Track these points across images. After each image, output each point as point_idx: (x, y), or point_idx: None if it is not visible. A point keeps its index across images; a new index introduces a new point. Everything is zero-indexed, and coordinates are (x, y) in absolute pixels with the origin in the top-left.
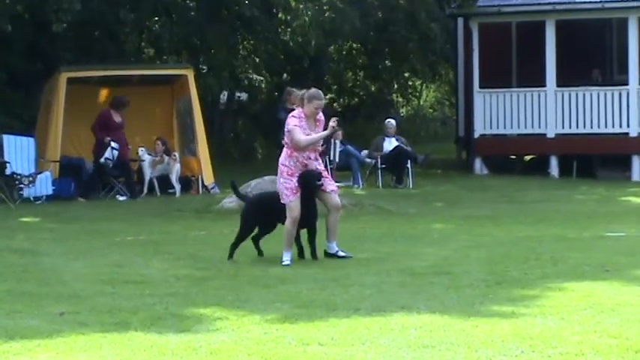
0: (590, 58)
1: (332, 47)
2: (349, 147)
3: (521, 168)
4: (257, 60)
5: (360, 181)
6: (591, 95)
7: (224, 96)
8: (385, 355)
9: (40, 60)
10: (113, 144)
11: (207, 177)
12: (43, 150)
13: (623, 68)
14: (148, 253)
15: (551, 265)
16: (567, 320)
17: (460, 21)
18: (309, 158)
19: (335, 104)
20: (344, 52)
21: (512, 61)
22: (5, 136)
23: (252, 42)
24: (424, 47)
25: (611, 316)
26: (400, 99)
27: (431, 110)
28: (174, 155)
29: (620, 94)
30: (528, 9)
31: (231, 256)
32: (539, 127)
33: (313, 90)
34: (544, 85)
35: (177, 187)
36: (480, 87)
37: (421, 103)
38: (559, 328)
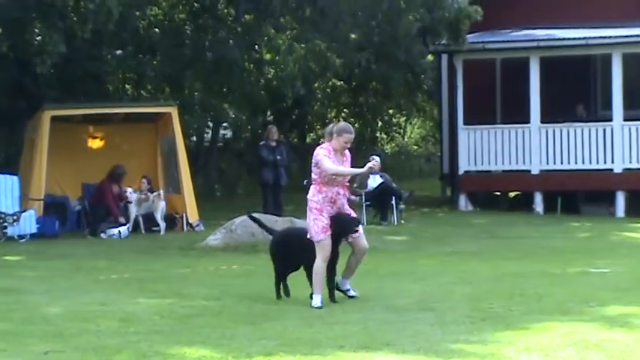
0: (574, 94)
1: (315, 85)
2: None
3: (507, 204)
4: (239, 99)
5: None
6: (575, 131)
7: (208, 134)
8: None
9: (23, 98)
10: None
11: (192, 214)
12: (27, 188)
13: (607, 104)
14: (132, 290)
15: (535, 301)
16: (552, 357)
17: (444, 57)
18: (338, 194)
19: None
20: (328, 90)
21: (497, 97)
22: None
23: (234, 82)
24: (409, 84)
25: (596, 353)
26: (385, 135)
27: (415, 147)
28: (159, 193)
29: (604, 130)
30: (512, 45)
31: (278, 294)
32: (524, 163)
33: (343, 123)
34: (528, 122)
35: (162, 224)
36: (464, 123)
37: (405, 139)
38: None
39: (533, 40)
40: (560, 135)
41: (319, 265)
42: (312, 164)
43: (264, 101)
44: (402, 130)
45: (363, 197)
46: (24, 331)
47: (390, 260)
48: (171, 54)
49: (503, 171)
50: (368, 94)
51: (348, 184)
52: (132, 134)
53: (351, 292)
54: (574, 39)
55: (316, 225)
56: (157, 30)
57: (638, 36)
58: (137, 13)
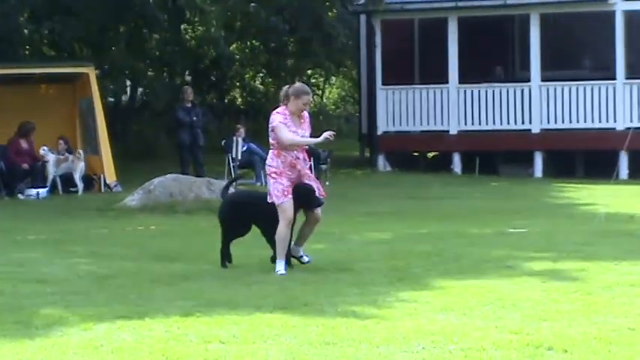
0: (492, 54)
1: (234, 46)
2: (252, 145)
3: (425, 165)
4: (158, 60)
5: (263, 178)
6: (494, 92)
7: (126, 95)
8: (287, 353)
9: None
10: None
11: (110, 175)
12: None
13: (526, 65)
14: (49, 251)
15: (453, 261)
16: (469, 316)
17: (363, 18)
18: (298, 158)
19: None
20: (247, 51)
21: (415, 58)
22: None
23: (154, 42)
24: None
25: (513, 312)
26: None
27: (334, 107)
28: (79, 153)
29: (522, 91)
30: (431, 6)
31: (224, 261)
32: (442, 124)
33: (298, 84)
34: (446, 82)
35: (80, 185)
36: (383, 84)
37: (324, 100)
38: (461, 324)
39: (452, 1)
40: (478, 96)
41: (282, 230)
42: (269, 130)
43: (182, 62)
44: (320, 91)
45: None
46: None
47: None
48: (89, 15)
49: (422, 131)
50: (287, 55)
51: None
52: (49, 96)
53: (305, 259)
54: (493, 0)
55: (276, 189)
56: None
57: None
58: None
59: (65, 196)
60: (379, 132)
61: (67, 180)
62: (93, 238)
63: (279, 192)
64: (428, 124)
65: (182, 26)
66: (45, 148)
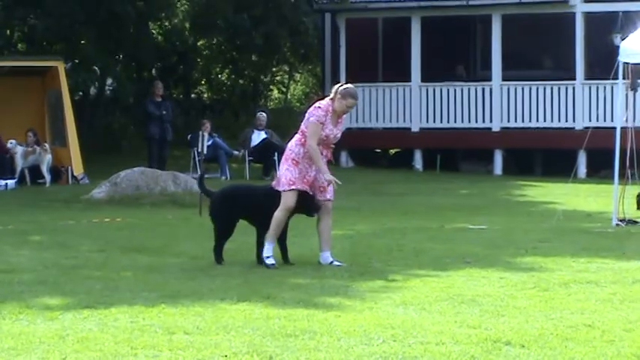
0: (454, 54)
1: (201, 42)
2: (217, 139)
3: (387, 161)
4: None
5: (228, 172)
6: (455, 91)
7: (95, 88)
8: (249, 344)
9: None
10: None
11: (77, 168)
12: None
13: (487, 64)
14: (16, 242)
15: (413, 256)
16: (428, 310)
17: (328, 16)
18: (320, 154)
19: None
20: (214, 47)
21: (379, 56)
22: None
23: (124, 38)
24: (294, 42)
25: (471, 307)
26: (268, 93)
27: (298, 104)
28: (45, 146)
29: (483, 90)
30: (394, 5)
31: (218, 261)
32: (404, 121)
33: (351, 87)
34: (409, 81)
35: (48, 177)
36: (347, 81)
37: (288, 96)
38: (420, 318)
39: (415, 0)
40: (440, 94)
41: (279, 215)
42: (306, 118)
43: (150, 57)
44: (285, 88)
45: (247, 153)
46: None
47: None
48: (61, 10)
49: (384, 128)
50: (252, 52)
51: (333, 145)
52: (19, 88)
53: (336, 263)
54: (455, 0)
55: (285, 176)
56: None
57: None
58: None
59: (33, 187)
60: None
61: (35, 172)
62: (60, 229)
63: (286, 179)
64: (390, 121)
65: (149, 22)
66: (12, 141)
